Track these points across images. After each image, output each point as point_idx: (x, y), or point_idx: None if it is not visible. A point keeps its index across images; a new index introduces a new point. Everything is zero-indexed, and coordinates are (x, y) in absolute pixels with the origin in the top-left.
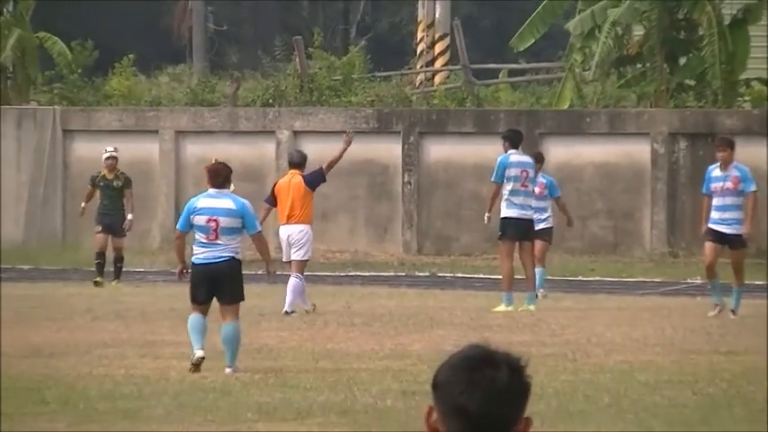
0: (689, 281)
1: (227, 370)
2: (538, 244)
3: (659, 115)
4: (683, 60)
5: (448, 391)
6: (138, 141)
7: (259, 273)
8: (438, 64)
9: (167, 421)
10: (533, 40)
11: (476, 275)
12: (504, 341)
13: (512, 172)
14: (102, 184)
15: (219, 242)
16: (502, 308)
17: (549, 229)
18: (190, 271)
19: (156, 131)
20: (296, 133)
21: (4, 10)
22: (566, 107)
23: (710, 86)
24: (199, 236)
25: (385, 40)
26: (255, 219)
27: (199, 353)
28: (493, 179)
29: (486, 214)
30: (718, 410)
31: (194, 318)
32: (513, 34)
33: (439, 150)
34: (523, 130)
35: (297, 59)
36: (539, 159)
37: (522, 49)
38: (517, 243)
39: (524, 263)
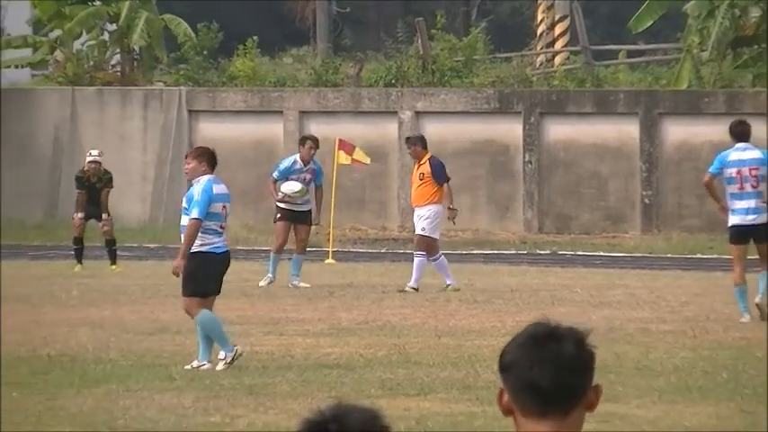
0: None
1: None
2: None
3: None
4: None
5: (518, 369)
6: (262, 122)
7: (383, 251)
8: (558, 45)
9: (292, 396)
10: (651, 22)
11: (596, 253)
12: (624, 318)
13: None
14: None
15: (224, 229)
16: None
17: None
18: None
19: (281, 112)
20: (418, 114)
21: None
22: (683, 87)
23: None
24: (213, 224)
25: (505, 22)
26: None
27: (231, 352)
28: None
29: None
30: None
31: (211, 314)
32: (631, 17)
33: (559, 130)
34: (641, 110)
35: (419, 41)
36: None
37: (639, 30)
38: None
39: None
